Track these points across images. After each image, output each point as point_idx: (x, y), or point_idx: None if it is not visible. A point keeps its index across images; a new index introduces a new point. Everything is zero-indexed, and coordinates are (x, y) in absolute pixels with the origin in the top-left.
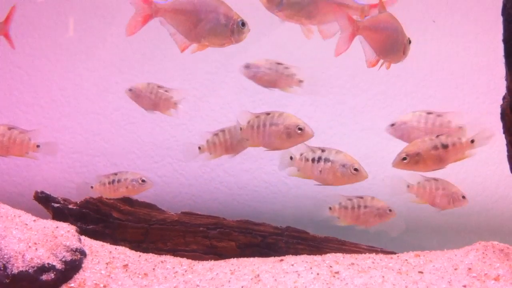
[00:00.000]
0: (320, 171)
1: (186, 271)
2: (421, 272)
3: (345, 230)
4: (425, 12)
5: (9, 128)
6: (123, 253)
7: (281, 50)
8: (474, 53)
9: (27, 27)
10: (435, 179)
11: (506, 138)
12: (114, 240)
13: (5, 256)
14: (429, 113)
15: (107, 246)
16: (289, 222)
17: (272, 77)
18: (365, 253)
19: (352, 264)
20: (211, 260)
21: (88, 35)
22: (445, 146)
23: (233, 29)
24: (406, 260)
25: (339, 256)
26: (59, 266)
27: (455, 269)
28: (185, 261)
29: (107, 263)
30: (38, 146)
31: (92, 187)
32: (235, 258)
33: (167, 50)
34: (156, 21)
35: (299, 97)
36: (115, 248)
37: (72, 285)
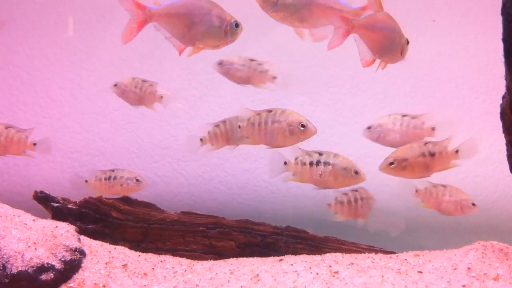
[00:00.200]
0: (320, 175)
1: (185, 270)
2: (421, 272)
3: (345, 230)
4: (425, 12)
5: (6, 127)
6: (122, 252)
7: (281, 50)
8: (473, 53)
9: (27, 27)
10: (443, 186)
11: (505, 137)
12: (114, 239)
13: (4, 255)
14: (404, 115)
15: (107, 246)
16: (288, 222)
17: (245, 74)
18: (364, 252)
19: (352, 263)
20: (210, 259)
21: (88, 35)
22: (432, 154)
23: (227, 31)
24: (406, 259)
25: (338, 255)
26: (58, 266)
27: (455, 269)
28: (184, 261)
29: (106, 263)
30: (35, 144)
31: (86, 181)
32: (235, 258)
33: (166, 50)
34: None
35: (298, 97)
36: (115, 248)
37: (72, 284)
